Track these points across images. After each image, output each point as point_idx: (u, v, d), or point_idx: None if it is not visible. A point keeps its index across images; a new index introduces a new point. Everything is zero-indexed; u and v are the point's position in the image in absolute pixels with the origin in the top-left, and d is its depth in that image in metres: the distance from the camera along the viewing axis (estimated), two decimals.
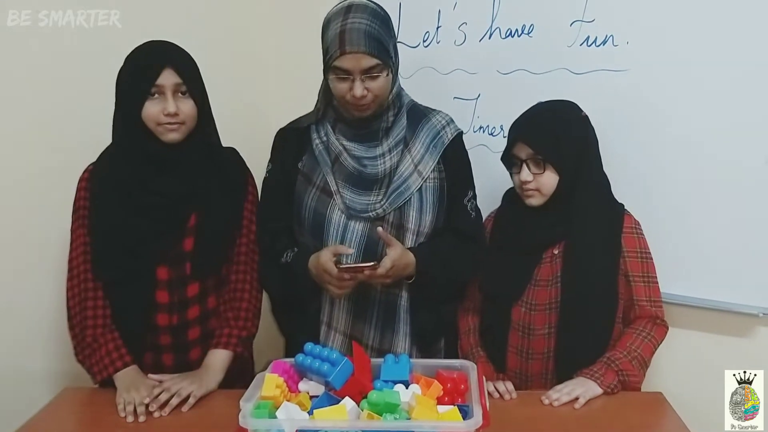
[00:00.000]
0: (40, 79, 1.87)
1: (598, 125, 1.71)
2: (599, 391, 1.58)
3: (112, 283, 1.64)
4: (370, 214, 1.67)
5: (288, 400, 1.35)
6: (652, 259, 1.70)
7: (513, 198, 1.76)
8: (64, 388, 1.71)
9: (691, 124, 1.83)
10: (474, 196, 1.78)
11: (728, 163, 1.80)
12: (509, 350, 1.73)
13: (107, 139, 1.65)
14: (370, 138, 1.69)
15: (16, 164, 1.85)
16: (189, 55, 1.61)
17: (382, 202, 1.67)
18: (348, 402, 1.28)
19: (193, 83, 1.59)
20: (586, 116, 1.70)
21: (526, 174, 1.66)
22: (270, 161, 1.80)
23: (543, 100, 1.77)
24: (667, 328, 1.69)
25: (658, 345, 1.67)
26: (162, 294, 1.64)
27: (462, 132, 1.78)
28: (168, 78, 1.54)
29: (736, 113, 1.77)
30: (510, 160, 1.72)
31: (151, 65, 1.54)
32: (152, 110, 1.54)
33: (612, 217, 1.71)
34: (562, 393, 1.57)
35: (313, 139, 1.73)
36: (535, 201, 1.69)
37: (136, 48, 1.59)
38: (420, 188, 1.69)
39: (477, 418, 1.20)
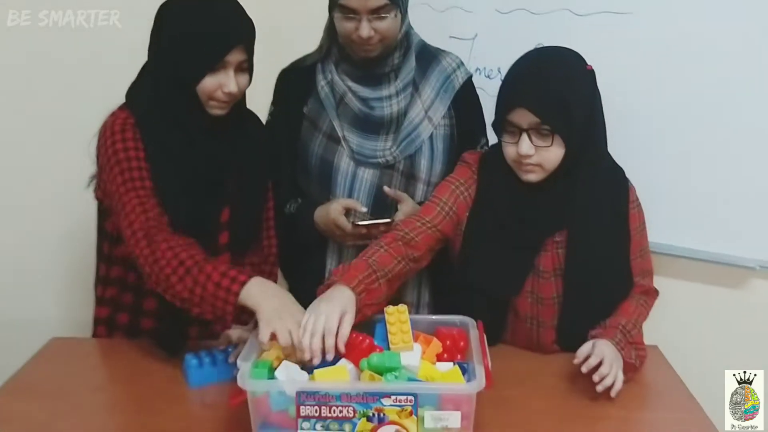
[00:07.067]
0: (40, 79, 1.90)
1: (600, 70, 1.51)
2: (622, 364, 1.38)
3: None
4: (380, 160, 1.62)
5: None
6: (646, 227, 1.55)
7: (500, 167, 1.46)
8: (52, 338, 1.66)
9: (696, 70, 1.79)
10: (487, 143, 1.72)
11: (731, 110, 1.77)
12: (517, 340, 1.56)
13: None
14: (377, 81, 1.62)
15: (15, 164, 1.91)
16: (252, 23, 1.44)
17: (392, 149, 1.62)
18: (348, 363, 1.26)
19: (252, 57, 1.45)
20: (592, 69, 1.42)
21: (527, 147, 1.36)
22: (272, 103, 1.72)
23: (540, 44, 1.62)
24: (658, 294, 1.57)
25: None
26: None
27: (471, 75, 1.72)
28: (235, 56, 1.40)
29: (742, 60, 1.74)
30: (504, 126, 1.41)
31: (222, 41, 1.38)
32: (210, 85, 1.39)
33: (617, 193, 1.50)
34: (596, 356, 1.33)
35: (318, 80, 1.65)
36: (534, 177, 1.41)
37: (198, 8, 1.40)
38: (431, 136, 1.64)
39: (480, 379, 1.19)
